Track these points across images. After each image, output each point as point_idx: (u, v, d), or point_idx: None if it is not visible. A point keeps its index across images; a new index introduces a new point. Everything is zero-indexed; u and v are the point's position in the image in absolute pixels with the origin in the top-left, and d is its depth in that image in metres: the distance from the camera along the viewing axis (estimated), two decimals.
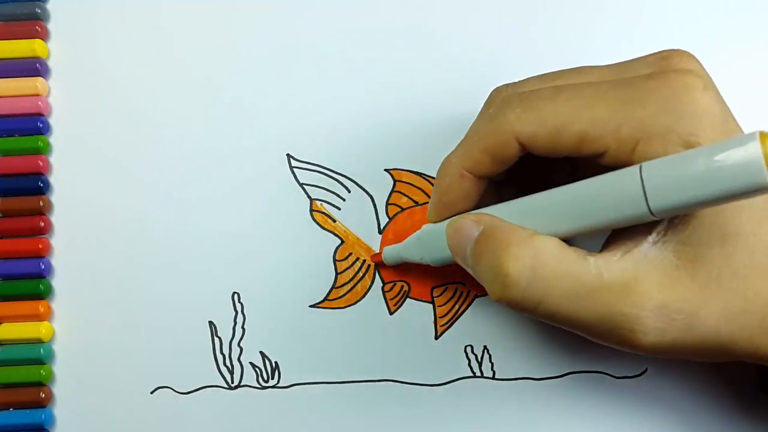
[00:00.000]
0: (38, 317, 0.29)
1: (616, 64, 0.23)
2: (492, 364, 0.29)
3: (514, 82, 0.25)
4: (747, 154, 0.18)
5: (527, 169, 0.25)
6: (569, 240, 0.22)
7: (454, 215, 0.25)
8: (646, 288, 0.21)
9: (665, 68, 0.22)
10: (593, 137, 0.21)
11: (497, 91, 0.25)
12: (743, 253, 0.21)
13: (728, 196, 0.19)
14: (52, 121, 0.30)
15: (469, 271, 0.24)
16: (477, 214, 0.24)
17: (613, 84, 0.22)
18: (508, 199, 0.24)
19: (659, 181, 0.19)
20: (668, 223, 0.21)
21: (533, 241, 0.22)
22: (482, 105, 0.25)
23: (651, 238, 0.22)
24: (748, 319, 0.21)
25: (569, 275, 0.21)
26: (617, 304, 0.21)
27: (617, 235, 0.23)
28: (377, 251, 0.29)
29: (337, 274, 0.29)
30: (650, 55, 0.23)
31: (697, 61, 0.22)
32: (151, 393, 0.29)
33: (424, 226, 0.27)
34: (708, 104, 0.21)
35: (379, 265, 0.29)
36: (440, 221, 0.26)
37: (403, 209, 0.30)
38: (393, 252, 0.28)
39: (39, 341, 0.29)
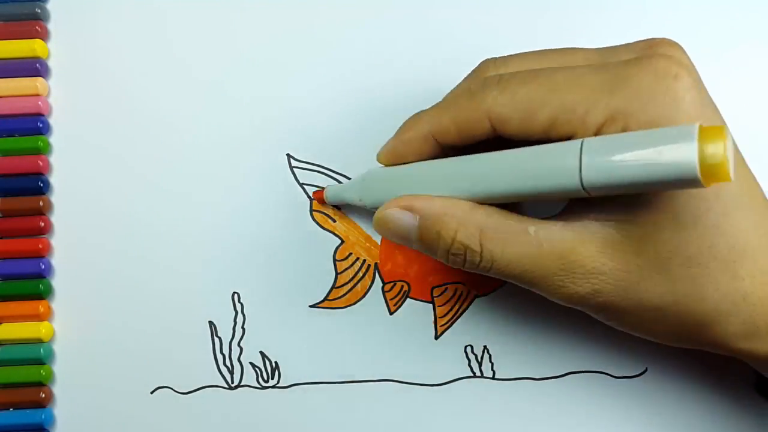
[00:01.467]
0: (38, 317, 0.29)
1: (602, 48, 0.24)
2: (492, 364, 0.29)
3: (501, 57, 0.25)
4: (683, 146, 0.18)
5: (490, 146, 0.25)
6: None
7: (402, 164, 0.26)
8: (581, 256, 0.22)
9: (647, 54, 0.22)
10: (562, 121, 0.22)
11: (484, 65, 0.25)
12: (701, 242, 0.21)
13: (660, 185, 0.19)
14: (52, 121, 0.30)
15: (412, 248, 0.25)
16: (404, 200, 0.24)
17: (589, 69, 0.22)
18: None
19: (596, 157, 0.20)
20: (612, 202, 0.22)
21: (475, 216, 0.23)
22: (469, 71, 0.25)
23: (593, 214, 0.22)
24: (699, 306, 0.22)
25: (511, 244, 0.23)
26: (553, 267, 0.22)
27: (564, 206, 0.24)
28: (377, 252, 0.29)
29: (337, 274, 0.29)
30: (638, 41, 0.23)
31: (682, 50, 0.22)
32: (151, 393, 0.29)
33: (369, 168, 0.27)
34: (680, 91, 0.21)
35: (320, 202, 0.29)
36: (387, 165, 0.26)
37: None
38: (335, 191, 0.29)
39: (39, 341, 0.29)
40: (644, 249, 0.22)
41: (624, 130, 0.21)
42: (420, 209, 0.24)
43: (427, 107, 0.25)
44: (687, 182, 0.18)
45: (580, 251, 0.22)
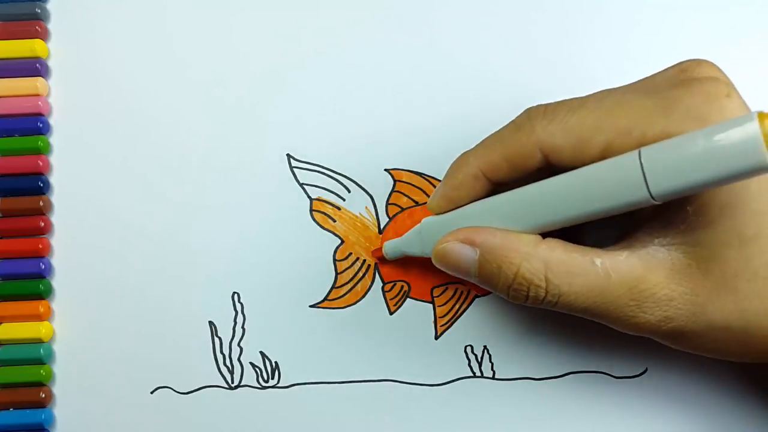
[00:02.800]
0: (38, 317, 0.29)
1: (637, 81, 0.24)
2: (492, 364, 0.29)
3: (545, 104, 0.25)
4: (745, 133, 0.18)
5: (535, 174, 0.25)
6: (574, 230, 0.23)
7: (456, 209, 0.25)
8: (651, 284, 0.22)
9: (689, 77, 0.22)
10: (617, 146, 0.22)
11: (526, 110, 0.25)
12: (764, 255, 0.22)
13: (728, 177, 0.19)
14: (52, 121, 0.30)
15: (471, 281, 0.25)
16: (463, 232, 0.24)
17: (637, 94, 0.22)
18: None
19: (659, 163, 0.20)
20: (676, 227, 0.22)
21: (539, 251, 0.23)
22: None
23: (658, 240, 0.22)
24: (766, 321, 0.22)
25: (578, 277, 0.22)
26: (623, 298, 0.22)
27: (623, 234, 0.23)
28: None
29: (337, 274, 0.29)
30: (670, 68, 0.23)
31: (718, 68, 0.23)
32: (151, 393, 0.29)
33: (424, 220, 0.27)
34: (731, 111, 0.21)
35: (381, 260, 0.29)
36: (440, 214, 0.26)
37: (403, 209, 0.30)
38: (393, 246, 0.28)
39: (39, 341, 0.29)
40: (711, 270, 0.22)
41: None
42: (480, 243, 0.23)
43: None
44: (755, 170, 0.18)
45: (650, 279, 0.22)
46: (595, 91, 0.24)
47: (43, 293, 0.29)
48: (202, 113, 0.30)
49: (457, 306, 0.29)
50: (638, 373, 0.29)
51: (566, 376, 0.29)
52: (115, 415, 0.29)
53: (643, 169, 0.20)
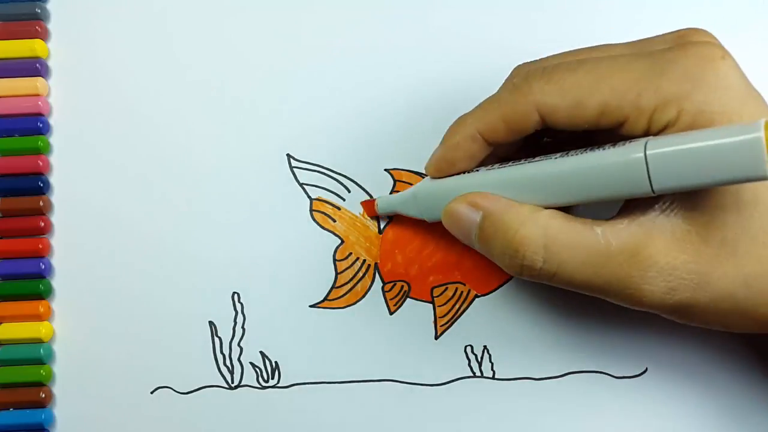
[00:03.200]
0: (38, 317, 0.29)
1: (635, 41, 0.24)
2: (492, 364, 0.29)
3: (537, 59, 0.25)
4: (749, 142, 0.18)
5: (534, 150, 0.25)
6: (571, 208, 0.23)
7: (453, 174, 0.26)
8: (653, 252, 0.22)
9: (686, 41, 0.22)
10: (613, 107, 0.22)
11: (519, 67, 0.25)
12: (763, 219, 0.22)
13: (730, 182, 0.19)
14: (52, 121, 0.30)
15: (475, 248, 0.25)
16: (471, 196, 0.24)
17: (633, 56, 0.22)
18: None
19: (663, 164, 0.20)
20: (677, 193, 0.22)
21: (539, 217, 0.23)
22: (504, 80, 0.25)
23: (658, 206, 0.22)
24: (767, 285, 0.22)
25: (579, 246, 0.22)
26: (625, 267, 0.22)
27: (625, 203, 0.23)
28: (377, 252, 0.29)
29: (337, 274, 0.29)
30: (667, 33, 0.23)
31: (714, 36, 0.23)
32: (151, 393, 0.29)
33: (419, 183, 0.27)
34: (726, 73, 0.21)
35: (369, 213, 0.29)
36: (438, 177, 0.26)
37: None
38: (387, 203, 0.28)
39: (39, 341, 0.29)
40: (711, 235, 0.22)
41: (679, 114, 0.21)
42: (484, 206, 0.24)
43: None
44: (755, 178, 0.19)
45: (651, 246, 0.22)
46: None
47: (43, 293, 0.29)
48: (201, 113, 0.30)
49: (457, 306, 0.29)
50: (638, 373, 0.29)
51: (566, 376, 0.29)
52: (115, 415, 0.29)
53: (648, 169, 0.20)
